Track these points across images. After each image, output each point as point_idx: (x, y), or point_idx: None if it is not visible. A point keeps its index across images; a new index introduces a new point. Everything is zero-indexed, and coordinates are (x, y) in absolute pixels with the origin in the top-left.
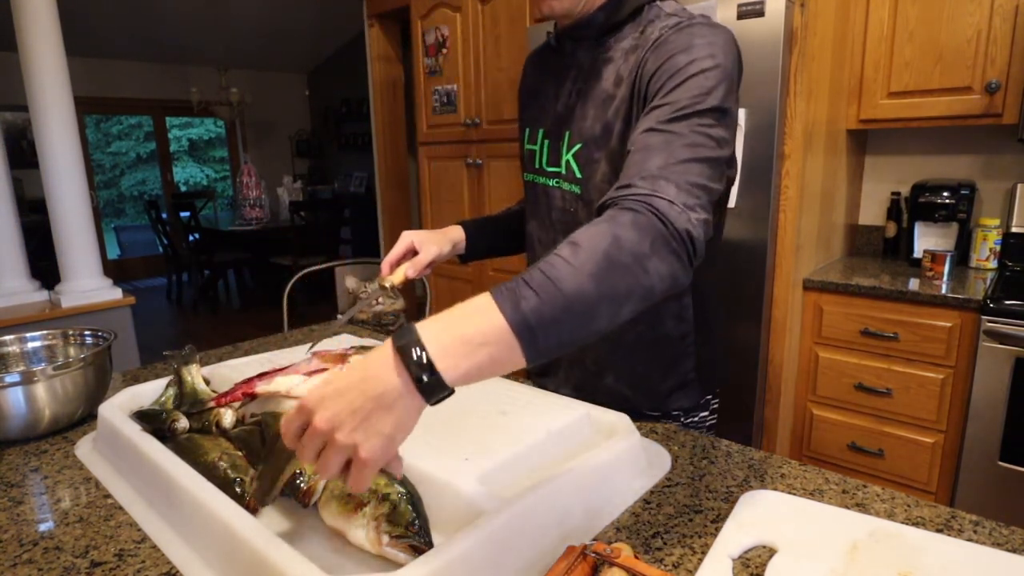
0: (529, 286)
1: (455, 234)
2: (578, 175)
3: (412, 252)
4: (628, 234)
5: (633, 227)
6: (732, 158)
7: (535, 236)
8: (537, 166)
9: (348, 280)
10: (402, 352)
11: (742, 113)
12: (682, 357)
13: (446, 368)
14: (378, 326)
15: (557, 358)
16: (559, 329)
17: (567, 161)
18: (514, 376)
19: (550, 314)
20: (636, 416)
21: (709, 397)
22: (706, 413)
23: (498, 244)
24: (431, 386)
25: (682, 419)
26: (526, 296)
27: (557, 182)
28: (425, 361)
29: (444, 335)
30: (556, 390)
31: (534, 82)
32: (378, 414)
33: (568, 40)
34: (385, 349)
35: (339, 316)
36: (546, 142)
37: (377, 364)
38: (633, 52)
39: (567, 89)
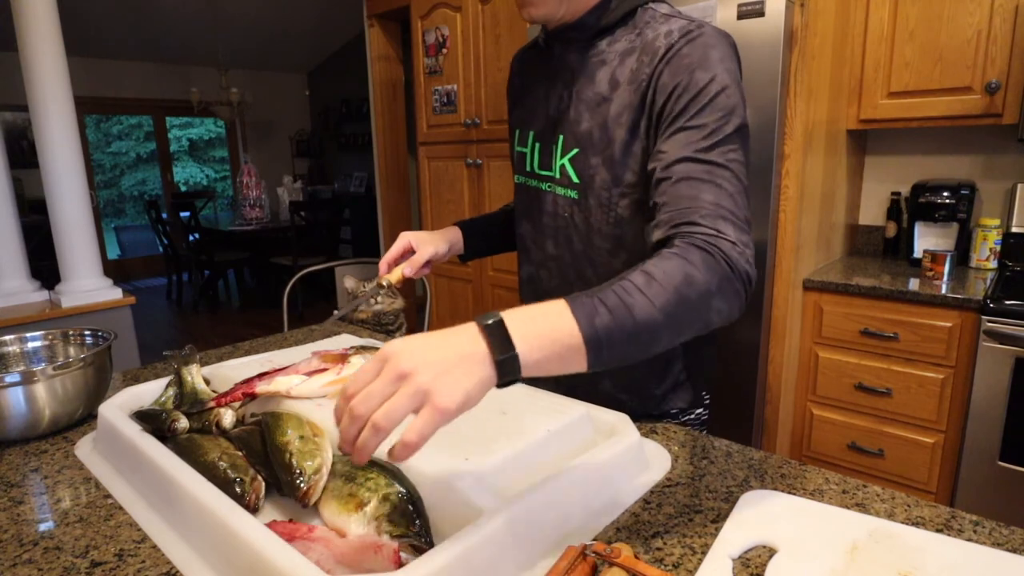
0: (605, 305)
1: (452, 235)
2: (575, 180)
3: (410, 252)
4: (699, 274)
5: (704, 266)
6: None
7: (528, 238)
8: (529, 169)
9: (347, 280)
10: (488, 330)
11: None
12: (673, 360)
13: (523, 352)
14: (378, 326)
15: None
16: (623, 348)
17: (561, 166)
18: None
19: (619, 335)
20: (633, 418)
21: (703, 393)
22: (700, 409)
23: (496, 243)
24: (507, 365)
25: (681, 417)
26: (601, 313)
27: (550, 186)
28: (507, 342)
29: (525, 327)
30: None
31: (522, 82)
32: (463, 369)
33: (557, 42)
34: (469, 326)
35: (335, 312)
36: (537, 145)
37: (463, 334)
38: (630, 55)
39: (558, 92)
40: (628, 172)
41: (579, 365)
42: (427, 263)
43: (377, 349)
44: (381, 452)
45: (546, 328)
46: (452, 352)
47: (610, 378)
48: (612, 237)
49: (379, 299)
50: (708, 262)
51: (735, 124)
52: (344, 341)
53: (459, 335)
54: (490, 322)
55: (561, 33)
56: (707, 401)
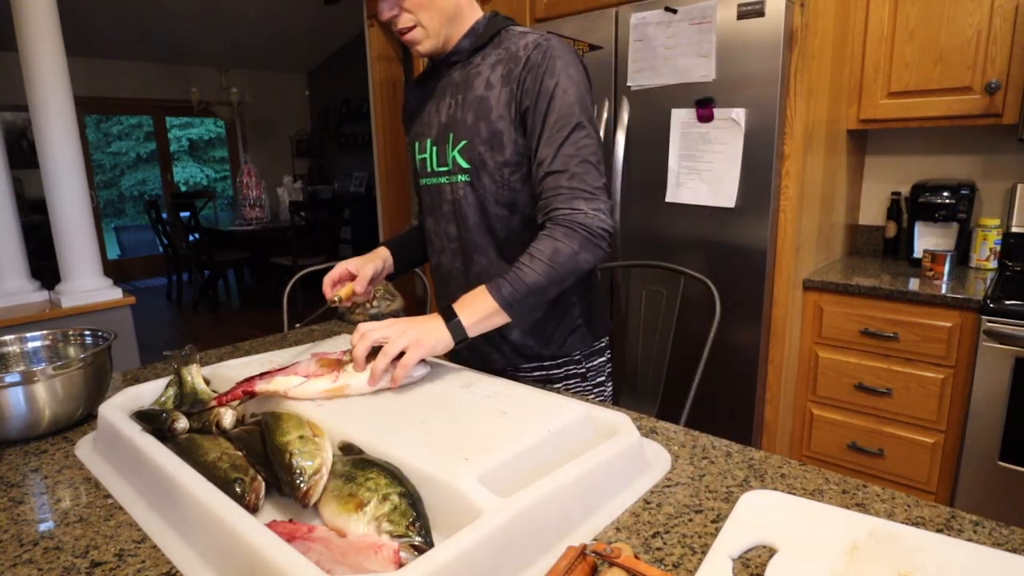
0: (507, 280)
1: (383, 254)
2: (464, 166)
3: (350, 276)
4: (563, 243)
5: (566, 237)
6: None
7: (431, 230)
8: (429, 170)
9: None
10: (443, 311)
11: (742, 113)
12: (569, 307)
13: (464, 320)
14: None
15: None
16: (526, 302)
17: (453, 157)
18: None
19: (519, 296)
20: (543, 364)
21: (602, 345)
22: (603, 359)
23: (417, 255)
24: (455, 329)
25: (584, 364)
26: (504, 285)
27: (448, 178)
28: (453, 316)
29: (463, 306)
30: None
31: (416, 103)
32: (432, 329)
33: (443, 66)
34: (433, 314)
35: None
36: (434, 148)
37: (428, 317)
38: (500, 63)
39: (447, 102)
40: (512, 153)
41: (503, 320)
42: (372, 279)
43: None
44: (375, 447)
45: (475, 304)
46: (427, 323)
47: (518, 327)
48: (507, 204)
49: (375, 303)
50: (568, 234)
51: (577, 117)
52: (343, 343)
53: (427, 317)
54: (444, 306)
55: (445, 59)
56: (609, 354)
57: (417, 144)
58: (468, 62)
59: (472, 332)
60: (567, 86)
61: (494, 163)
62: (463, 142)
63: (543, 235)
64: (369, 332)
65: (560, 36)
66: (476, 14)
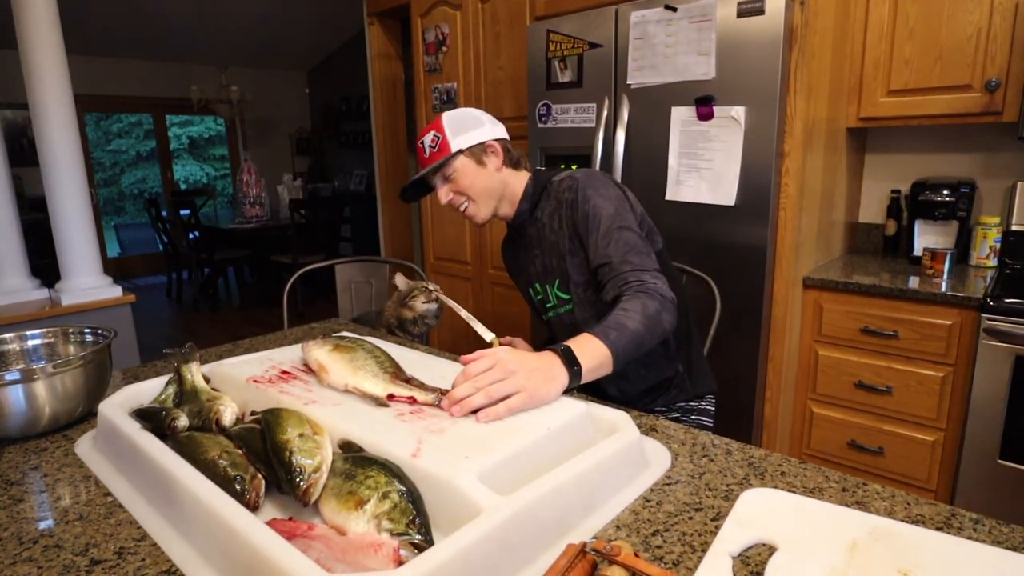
0: (611, 328)
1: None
2: (565, 297)
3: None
4: (649, 303)
5: (648, 298)
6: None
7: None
8: (547, 307)
9: (398, 279)
10: (563, 353)
11: (742, 111)
12: (672, 363)
13: (583, 365)
14: (400, 330)
15: None
16: (628, 351)
17: (555, 294)
18: None
19: (624, 343)
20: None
21: (706, 406)
22: (707, 418)
23: None
24: (575, 374)
25: (685, 416)
26: (611, 332)
27: (555, 312)
28: (575, 360)
29: (581, 350)
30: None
31: (513, 258)
32: (545, 375)
33: (518, 227)
34: (548, 351)
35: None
36: (542, 291)
37: (546, 354)
38: (555, 212)
39: (533, 255)
40: (587, 274)
41: (608, 370)
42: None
43: (345, 338)
44: (375, 445)
45: (591, 350)
46: (541, 364)
47: (614, 385)
48: (595, 312)
49: (437, 299)
50: (650, 296)
51: (619, 222)
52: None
53: (544, 355)
54: (563, 348)
55: (516, 223)
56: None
57: (531, 290)
58: (533, 219)
59: (587, 379)
60: (601, 204)
61: (583, 289)
62: (556, 280)
63: (625, 298)
64: (481, 376)
65: (587, 169)
66: (523, 180)
